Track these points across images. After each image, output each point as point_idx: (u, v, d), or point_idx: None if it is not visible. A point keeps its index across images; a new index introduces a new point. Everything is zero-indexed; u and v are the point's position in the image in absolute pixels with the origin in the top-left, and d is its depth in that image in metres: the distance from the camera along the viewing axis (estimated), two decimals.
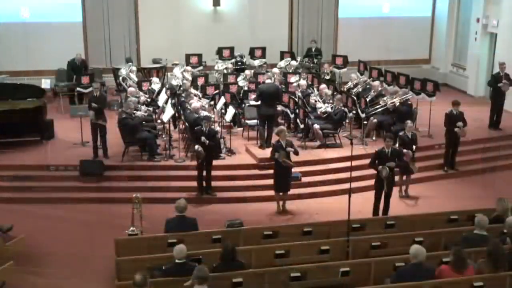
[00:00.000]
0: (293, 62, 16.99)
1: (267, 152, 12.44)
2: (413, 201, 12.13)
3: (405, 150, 11.48)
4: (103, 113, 13.07)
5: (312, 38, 19.06)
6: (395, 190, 11.62)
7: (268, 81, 14.27)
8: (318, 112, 13.93)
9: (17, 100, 14.28)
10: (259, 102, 13.47)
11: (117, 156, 13.00)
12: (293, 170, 11.70)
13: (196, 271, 6.75)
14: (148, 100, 14.50)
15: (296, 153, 11.43)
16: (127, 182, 12.45)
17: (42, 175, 12.58)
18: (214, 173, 12.16)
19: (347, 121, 14.49)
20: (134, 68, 16.46)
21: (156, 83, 15.58)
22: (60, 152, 13.48)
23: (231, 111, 13.53)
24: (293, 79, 15.54)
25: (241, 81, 15.85)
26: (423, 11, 20.22)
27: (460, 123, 12.87)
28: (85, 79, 15.54)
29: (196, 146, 11.66)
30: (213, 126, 12.67)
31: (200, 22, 18.69)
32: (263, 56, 17.67)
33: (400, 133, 11.98)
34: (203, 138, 11.58)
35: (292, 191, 11.75)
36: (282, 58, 17.58)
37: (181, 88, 14.81)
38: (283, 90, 14.55)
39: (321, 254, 8.56)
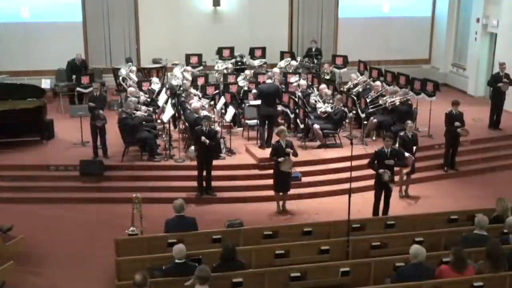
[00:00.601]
0: (293, 62, 16.99)
1: (267, 152, 12.43)
2: (413, 201, 12.13)
3: (407, 154, 11.45)
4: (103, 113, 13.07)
5: (312, 38, 19.07)
6: (395, 190, 11.63)
7: (268, 81, 14.25)
8: (318, 112, 13.93)
9: (17, 100, 14.28)
10: (259, 101, 13.48)
11: (117, 156, 13.00)
12: (293, 170, 11.70)
13: (197, 271, 6.75)
14: (148, 100, 14.50)
15: (295, 154, 11.41)
16: (127, 182, 12.44)
17: (42, 175, 12.58)
18: (214, 173, 12.16)
19: (347, 121, 14.50)
20: (134, 68, 16.46)
21: (156, 83, 15.59)
22: (60, 152, 13.48)
23: (231, 111, 13.53)
24: (293, 79, 15.54)
25: (241, 81, 15.86)
26: (423, 11, 20.22)
27: (457, 123, 12.87)
28: (85, 79, 15.54)
29: (191, 148, 11.65)
30: (213, 126, 12.67)
31: (200, 22, 18.69)
32: (263, 56, 17.68)
33: (401, 133, 11.97)
34: (203, 138, 11.58)
35: (292, 191, 11.75)
36: (282, 58, 17.59)
37: (181, 88, 14.81)
38: (283, 90, 14.55)
39: (321, 254, 8.56)
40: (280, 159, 11.11)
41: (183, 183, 12.33)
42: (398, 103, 13.88)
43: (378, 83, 15.08)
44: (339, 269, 8.00)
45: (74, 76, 16.69)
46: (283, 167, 11.13)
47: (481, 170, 13.71)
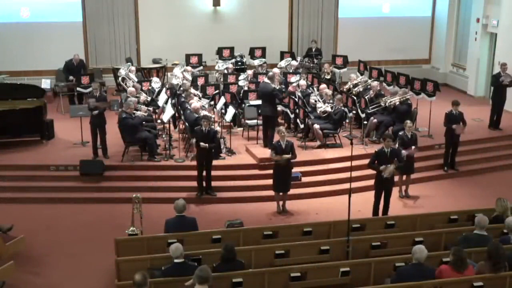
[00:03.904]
0: (293, 62, 17.01)
1: (267, 152, 12.44)
2: (413, 201, 12.13)
3: (404, 152, 11.46)
4: (103, 113, 13.05)
5: (312, 38, 19.09)
6: (395, 190, 11.63)
7: (266, 81, 14.16)
8: (318, 112, 13.93)
9: (17, 100, 14.28)
10: (259, 101, 13.53)
11: (117, 156, 12.99)
12: (293, 170, 11.70)
13: (198, 271, 6.73)
14: (148, 99, 14.51)
15: (294, 157, 11.41)
16: (127, 182, 12.44)
17: (42, 175, 12.58)
18: (214, 173, 12.16)
19: (347, 121, 14.50)
20: (133, 68, 16.46)
21: (156, 82, 15.60)
22: (60, 152, 13.48)
23: (231, 111, 13.53)
24: (293, 79, 15.54)
25: (241, 81, 15.86)
26: (423, 11, 20.24)
27: (455, 126, 12.87)
28: (85, 79, 15.54)
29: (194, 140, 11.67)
30: (213, 126, 12.67)
31: (200, 22, 18.71)
32: (263, 56, 17.69)
33: (400, 133, 11.98)
34: (201, 144, 11.57)
35: (292, 191, 11.75)
36: (282, 58, 17.61)
37: (181, 88, 14.81)
38: (283, 90, 14.54)
39: (321, 254, 8.56)
40: (275, 157, 11.12)
41: (183, 183, 12.33)
42: (397, 103, 13.89)
43: (375, 83, 15.10)
44: (339, 269, 8.00)
45: (70, 77, 16.66)
46: (280, 161, 11.15)
47: (481, 170, 13.71)
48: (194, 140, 11.76)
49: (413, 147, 11.73)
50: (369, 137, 14.06)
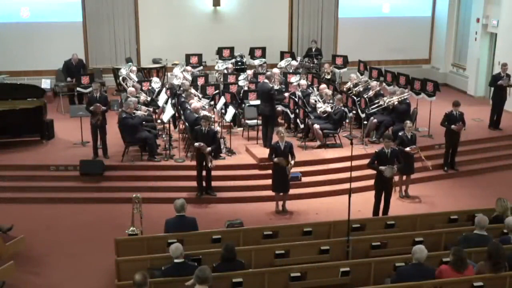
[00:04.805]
0: (293, 62, 17.01)
1: (267, 152, 12.42)
2: (413, 201, 12.13)
3: (407, 149, 11.51)
4: (103, 113, 13.05)
5: (312, 38, 19.09)
6: (395, 190, 11.62)
7: (266, 80, 14.14)
8: (318, 112, 13.93)
9: (17, 100, 14.27)
10: (258, 101, 13.53)
11: (117, 156, 12.99)
12: (293, 170, 11.69)
13: (197, 271, 6.74)
14: (148, 99, 14.51)
15: (293, 159, 11.40)
16: (127, 182, 12.44)
17: (42, 175, 12.58)
18: (214, 173, 12.16)
19: (347, 121, 14.50)
20: (134, 68, 16.47)
21: (156, 82, 15.61)
22: (60, 152, 13.48)
23: (231, 111, 13.53)
24: (293, 79, 15.53)
25: (241, 81, 15.85)
26: (423, 11, 20.24)
27: (453, 126, 12.87)
28: (85, 79, 15.53)
29: (197, 144, 11.64)
30: (212, 126, 12.66)
31: (200, 22, 18.71)
32: (263, 56, 17.69)
33: (400, 133, 11.98)
34: (197, 143, 11.56)
35: (292, 191, 11.74)
36: (282, 58, 17.61)
37: (181, 88, 14.81)
38: (283, 90, 14.54)
39: (321, 254, 8.56)
40: (276, 160, 11.13)
41: (183, 183, 12.33)
42: (396, 103, 13.89)
43: (374, 83, 15.10)
44: (339, 269, 8.00)
45: (68, 79, 16.65)
46: (281, 163, 11.16)
47: (481, 170, 13.70)
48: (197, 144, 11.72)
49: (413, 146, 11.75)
50: (369, 137, 14.07)
